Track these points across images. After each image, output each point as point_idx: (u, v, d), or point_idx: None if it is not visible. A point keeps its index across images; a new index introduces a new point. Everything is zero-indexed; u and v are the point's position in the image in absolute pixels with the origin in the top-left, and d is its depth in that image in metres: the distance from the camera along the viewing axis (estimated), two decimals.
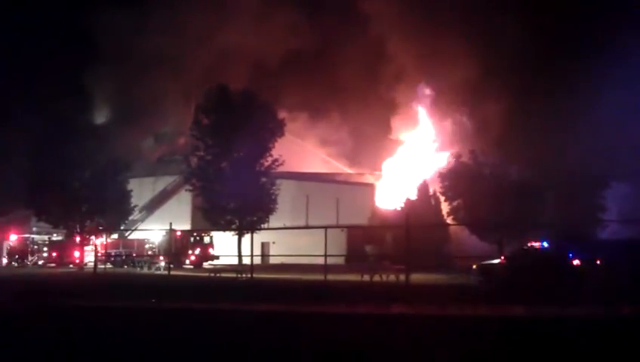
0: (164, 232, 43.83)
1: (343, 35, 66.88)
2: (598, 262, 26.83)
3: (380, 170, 67.21)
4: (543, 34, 48.69)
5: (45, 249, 53.22)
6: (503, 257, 30.67)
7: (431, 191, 50.58)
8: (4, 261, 53.09)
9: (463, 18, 57.68)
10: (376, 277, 29.66)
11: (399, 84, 64.28)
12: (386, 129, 66.98)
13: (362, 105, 65.54)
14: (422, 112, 66.58)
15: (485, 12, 54.82)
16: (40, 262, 51.86)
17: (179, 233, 44.83)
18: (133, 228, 54.04)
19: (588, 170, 43.64)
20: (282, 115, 49.06)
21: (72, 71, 63.56)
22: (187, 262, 46.95)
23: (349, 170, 69.25)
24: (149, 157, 66.00)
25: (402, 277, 27.07)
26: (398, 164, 66.32)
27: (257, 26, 66.79)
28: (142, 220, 59.38)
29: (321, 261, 27.76)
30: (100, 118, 63.20)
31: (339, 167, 69.98)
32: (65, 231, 51.74)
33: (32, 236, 55.29)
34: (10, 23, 64.57)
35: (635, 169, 45.36)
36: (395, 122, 66.66)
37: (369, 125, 65.93)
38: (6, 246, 53.96)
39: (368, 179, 66.42)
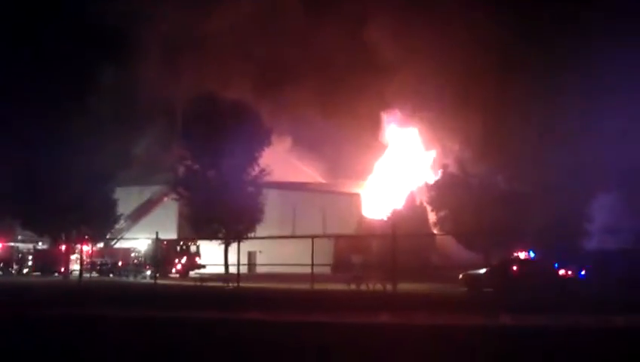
0: (150, 241, 43.63)
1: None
2: (583, 272, 27.09)
3: (366, 180, 67.22)
4: (526, 43, 48.95)
5: (30, 257, 52.87)
6: (489, 267, 30.88)
7: (417, 201, 50.69)
8: None
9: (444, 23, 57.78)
10: (363, 286, 29.73)
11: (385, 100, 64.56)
12: (373, 138, 67.09)
13: (348, 116, 65.64)
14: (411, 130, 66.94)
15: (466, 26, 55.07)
16: (25, 271, 51.47)
17: (165, 242, 44.62)
18: (119, 236, 53.73)
19: (574, 179, 43.75)
20: (269, 123, 49.07)
21: (56, 77, 63.02)
22: (173, 271, 46.77)
23: (335, 180, 69.15)
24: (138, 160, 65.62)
25: (389, 286, 27.20)
26: (384, 173, 66.40)
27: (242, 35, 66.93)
28: (128, 229, 59.06)
29: (307, 270, 27.84)
30: (87, 125, 62.82)
31: (324, 177, 69.99)
32: (50, 239, 51.38)
33: (17, 244, 54.86)
34: None
35: (622, 178, 45.49)
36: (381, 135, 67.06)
37: (356, 135, 65.95)
38: None
39: (354, 188, 66.40)
